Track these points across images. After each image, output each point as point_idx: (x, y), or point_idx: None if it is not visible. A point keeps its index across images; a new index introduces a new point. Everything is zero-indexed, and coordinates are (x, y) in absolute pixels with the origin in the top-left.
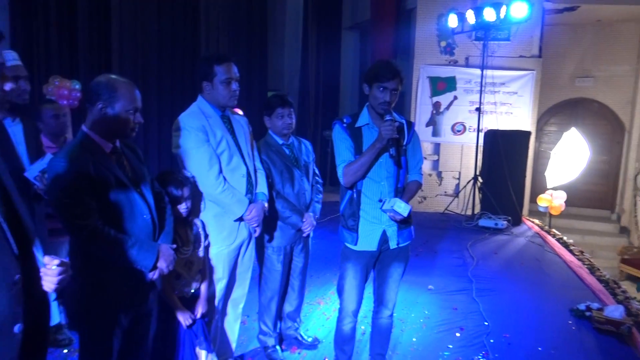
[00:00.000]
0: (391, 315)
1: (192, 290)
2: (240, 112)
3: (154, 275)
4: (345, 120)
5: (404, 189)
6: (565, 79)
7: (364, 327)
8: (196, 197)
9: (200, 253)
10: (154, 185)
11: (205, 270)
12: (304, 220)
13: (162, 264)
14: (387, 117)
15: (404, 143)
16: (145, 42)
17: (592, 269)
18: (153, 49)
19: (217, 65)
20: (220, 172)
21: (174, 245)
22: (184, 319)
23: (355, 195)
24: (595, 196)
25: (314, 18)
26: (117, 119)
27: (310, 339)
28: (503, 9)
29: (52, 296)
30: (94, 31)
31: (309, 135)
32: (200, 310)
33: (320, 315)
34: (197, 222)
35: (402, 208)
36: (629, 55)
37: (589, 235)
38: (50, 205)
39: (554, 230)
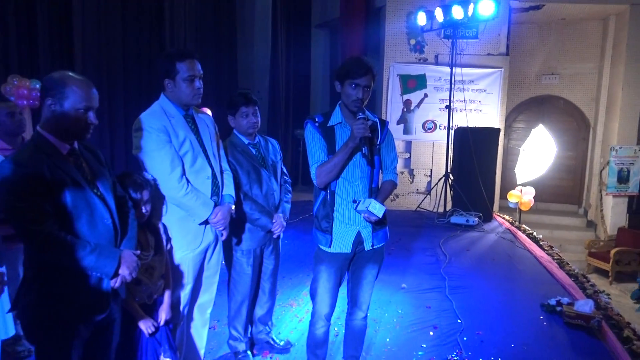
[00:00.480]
0: (365, 317)
1: (155, 297)
2: (208, 111)
3: (115, 283)
4: (317, 119)
5: (379, 189)
6: (531, 76)
7: (337, 328)
8: (158, 200)
9: (162, 257)
10: (116, 188)
11: (169, 276)
12: (274, 221)
13: (124, 271)
14: (360, 115)
15: (378, 142)
16: (109, 40)
17: (562, 264)
18: (117, 47)
19: (179, 62)
20: (183, 174)
21: (138, 252)
22: (146, 327)
23: (328, 196)
24: (562, 191)
25: (283, 16)
26: (65, 117)
27: (282, 343)
28: (471, 7)
29: (7, 307)
30: (55, 29)
31: (280, 134)
32: (163, 317)
33: (292, 317)
34: (159, 225)
35: (377, 209)
36: (593, 53)
37: (557, 229)
38: (2, 210)
39: (524, 225)
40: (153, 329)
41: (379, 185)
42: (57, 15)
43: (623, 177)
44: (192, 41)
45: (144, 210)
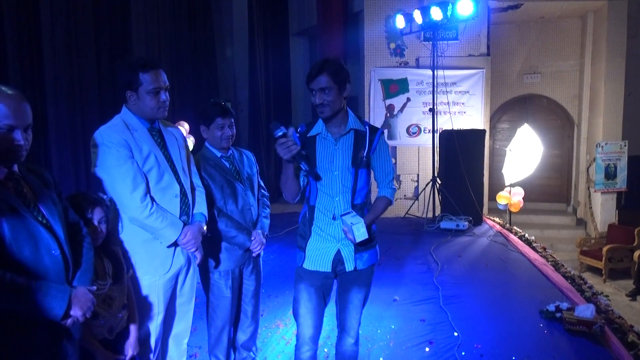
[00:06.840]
0: (356, 343)
1: (117, 330)
2: (186, 125)
3: (66, 324)
4: (299, 129)
5: (366, 206)
6: (513, 76)
7: (327, 349)
8: (116, 223)
9: (123, 286)
10: (67, 214)
11: (133, 307)
12: (252, 238)
13: (76, 312)
14: (276, 133)
15: (365, 153)
16: (81, 62)
17: (557, 266)
18: (90, 70)
19: (142, 73)
20: (146, 193)
21: (93, 288)
22: None
23: (308, 211)
24: (550, 190)
25: (260, 26)
26: None
27: None
28: (449, 8)
29: None
30: (24, 35)
31: (262, 144)
32: (130, 351)
33: (279, 340)
34: (116, 249)
35: (360, 234)
36: (573, 50)
37: (548, 229)
38: None
39: (515, 227)
40: None
41: (366, 202)
42: (26, 28)
43: (610, 173)
44: (169, 54)
45: (98, 230)
